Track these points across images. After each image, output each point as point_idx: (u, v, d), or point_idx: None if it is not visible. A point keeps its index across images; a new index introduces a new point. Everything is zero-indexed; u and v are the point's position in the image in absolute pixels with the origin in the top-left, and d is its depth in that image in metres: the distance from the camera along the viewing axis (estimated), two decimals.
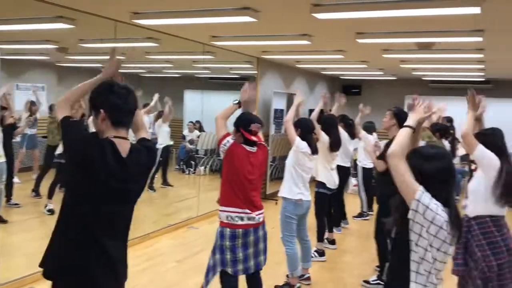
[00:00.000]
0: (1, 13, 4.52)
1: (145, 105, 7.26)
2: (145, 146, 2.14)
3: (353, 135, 6.32)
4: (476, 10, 3.53)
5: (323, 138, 5.03)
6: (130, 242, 5.58)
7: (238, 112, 3.45)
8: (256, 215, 3.34)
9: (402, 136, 2.19)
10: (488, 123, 3.62)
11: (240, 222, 3.27)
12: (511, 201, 3.28)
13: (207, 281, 3.38)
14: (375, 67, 8.91)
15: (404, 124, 2.28)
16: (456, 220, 2.04)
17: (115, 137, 1.98)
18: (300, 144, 4.26)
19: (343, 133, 5.81)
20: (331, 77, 11.50)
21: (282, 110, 8.82)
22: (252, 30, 5.20)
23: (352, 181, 8.86)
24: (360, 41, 5.30)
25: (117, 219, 2.04)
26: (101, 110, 1.98)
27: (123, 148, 1.99)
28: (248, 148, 3.32)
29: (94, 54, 6.91)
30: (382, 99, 10.83)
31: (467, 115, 3.33)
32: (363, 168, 7.00)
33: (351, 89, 11.68)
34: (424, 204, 1.97)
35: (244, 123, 3.33)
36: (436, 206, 1.98)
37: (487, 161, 3.20)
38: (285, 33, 5.40)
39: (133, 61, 7.99)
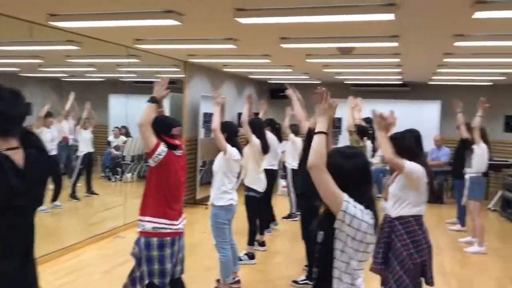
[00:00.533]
0: None
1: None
2: (37, 148, 1.93)
3: (280, 138, 6.42)
4: (391, 16, 3.72)
5: (254, 142, 5.04)
6: (49, 256, 5.29)
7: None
8: (180, 223, 3.27)
9: (318, 145, 2.06)
10: (405, 124, 3.80)
11: (168, 231, 3.18)
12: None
13: None
14: (300, 71, 9.13)
15: (316, 131, 2.12)
16: (376, 221, 2.08)
17: (7, 149, 1.76)
18: (232, 152, 4.25)
19: (271, 136, 5.89)
20: (258, 81, 11.63)
21: (211, 114, 8.77)
22: (177, 33, 5.13)
23: (282, 182, 9.04)
24: (284, 46, 5.41)
25: (19, 233, 1.86)
26: None
27: (18, 159, 1.79)
28: (176, 153, 3.23)
29: (7, 58, 6.48)
30: (308, 102, 11.09)
31: (379, 138, 3.40)
32: (292, 169, 7.13)
33: (278, 92, 11.86)
34: (350, 214, 1.95)
35: (165, 129, 3.19)
36: (361, 213, 1.98)
37: (416, 175, 3.31)
38: (211, 37, 5.38)
39: (52, 65, 7.59)
